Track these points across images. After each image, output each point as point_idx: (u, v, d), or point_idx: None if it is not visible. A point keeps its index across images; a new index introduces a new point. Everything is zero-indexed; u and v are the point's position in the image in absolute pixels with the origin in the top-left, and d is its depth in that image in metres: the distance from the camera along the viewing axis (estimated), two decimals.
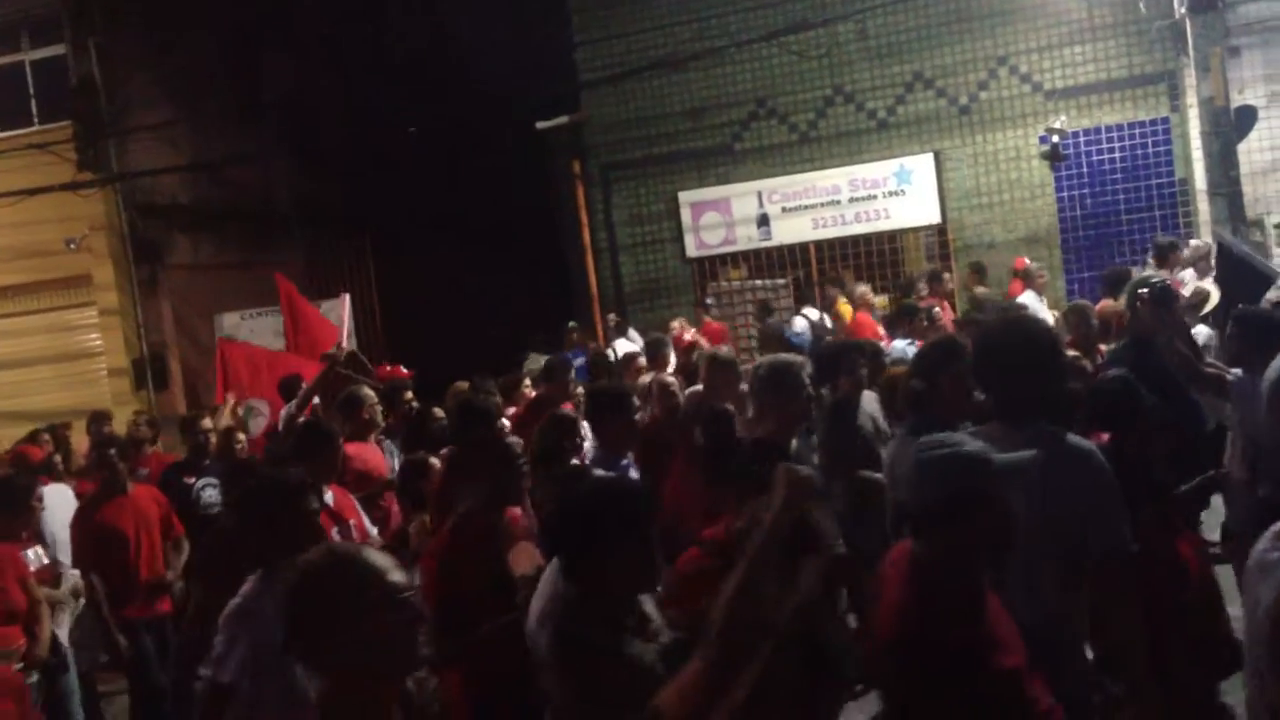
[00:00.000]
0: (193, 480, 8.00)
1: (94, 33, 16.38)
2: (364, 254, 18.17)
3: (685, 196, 15.81)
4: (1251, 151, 13.41)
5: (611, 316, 15.13)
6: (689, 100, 15.65)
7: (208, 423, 9.10)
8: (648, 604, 3.32)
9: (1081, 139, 14.11)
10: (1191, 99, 13.34)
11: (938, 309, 13.13)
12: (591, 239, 16.35)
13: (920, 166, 14.80)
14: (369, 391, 8.14)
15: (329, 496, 5.92)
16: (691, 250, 15.94)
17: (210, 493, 7.64)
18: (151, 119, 16.25)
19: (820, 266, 15.47)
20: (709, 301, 15.31)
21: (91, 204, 16.03)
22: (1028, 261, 13.15)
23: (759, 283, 15.79)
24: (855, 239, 15.18)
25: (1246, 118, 13.35)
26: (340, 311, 10.71)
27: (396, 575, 2.55)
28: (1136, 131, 13.92)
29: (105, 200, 16.27)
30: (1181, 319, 8.10)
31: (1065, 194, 14.26)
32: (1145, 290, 7.14)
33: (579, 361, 10.76)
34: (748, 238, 15.63)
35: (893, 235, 15.15)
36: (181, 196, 17.23)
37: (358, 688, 2.48)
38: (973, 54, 14.48)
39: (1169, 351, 7.09)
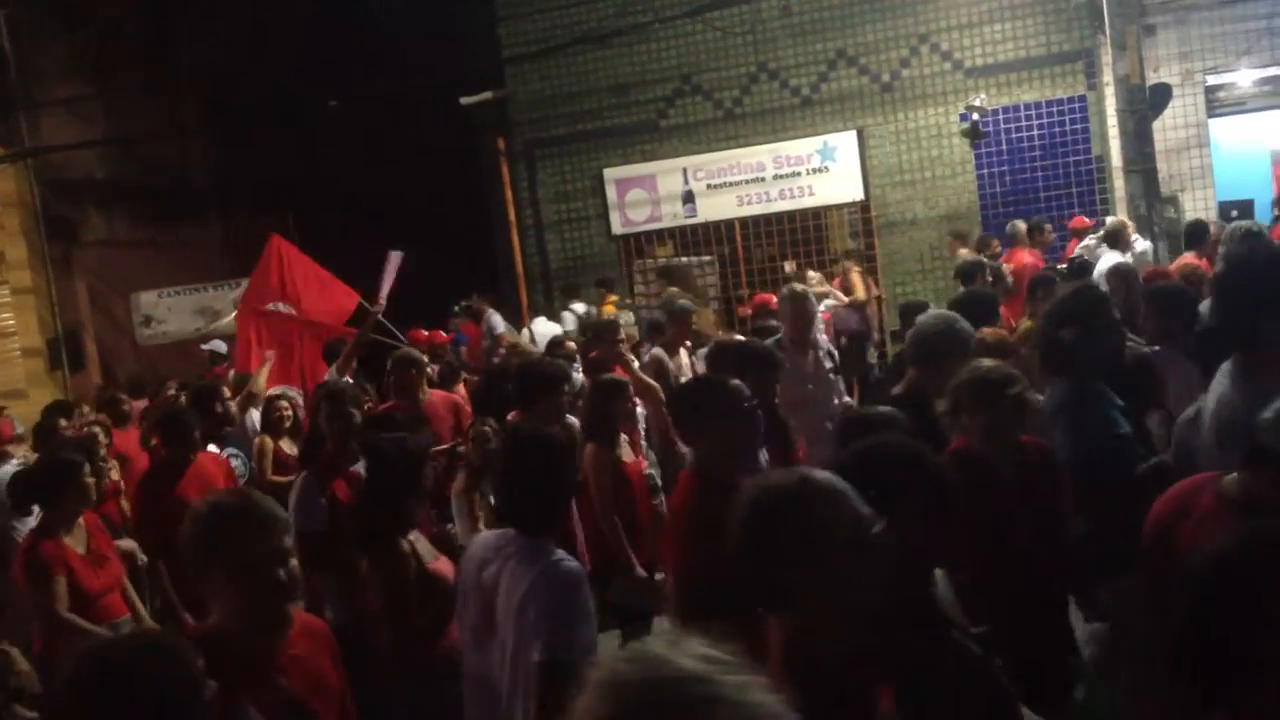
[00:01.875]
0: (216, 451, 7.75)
1: (3, 4, 15.98)
2: (284, 231, 17.87)
3: (610, 173, 15.76)
4: (1166, 129, 13.67)
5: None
6: (614, 77, 15.59)
7: (227, 391, 8.92)
8: None
9: (1001, 116, 14.25)
10: (1108, 77, 13.52)
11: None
12: (517, 216, 16.26)
13: (843, 144, 14.87)
14: (419, 354, 8.37)
15: (360, 465, 5.75)
16: (617, 227, 15.90)
17: (237, 464, 7.52)
18: (64, 92, 15.93)
19: (745, 244, 15.51)
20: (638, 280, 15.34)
21: (2, 180, 15.65)
22: (1087, 220, 13.10)
23: (684, 260, 15.79)
24: (780, 216, 15.22)
25: (1161, 95, 13.58)
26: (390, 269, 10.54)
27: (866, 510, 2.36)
28: (1054, 109, 14.09)
29: (16, 176, 15.91)
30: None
31: (985, 171, 14.40)
32: (1064, 266, 7.30)
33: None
34: (673, 215, 15.62)
35: (817, 212, 15.21)
36: (96, 172, 16.90)
37: (822, 630, 2.29)
38: (895, 32, 14.56)
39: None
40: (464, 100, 15.90)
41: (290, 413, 8.47)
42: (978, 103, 14.12)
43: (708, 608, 3.84)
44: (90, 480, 6.02)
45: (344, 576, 5.38)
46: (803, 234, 15.23)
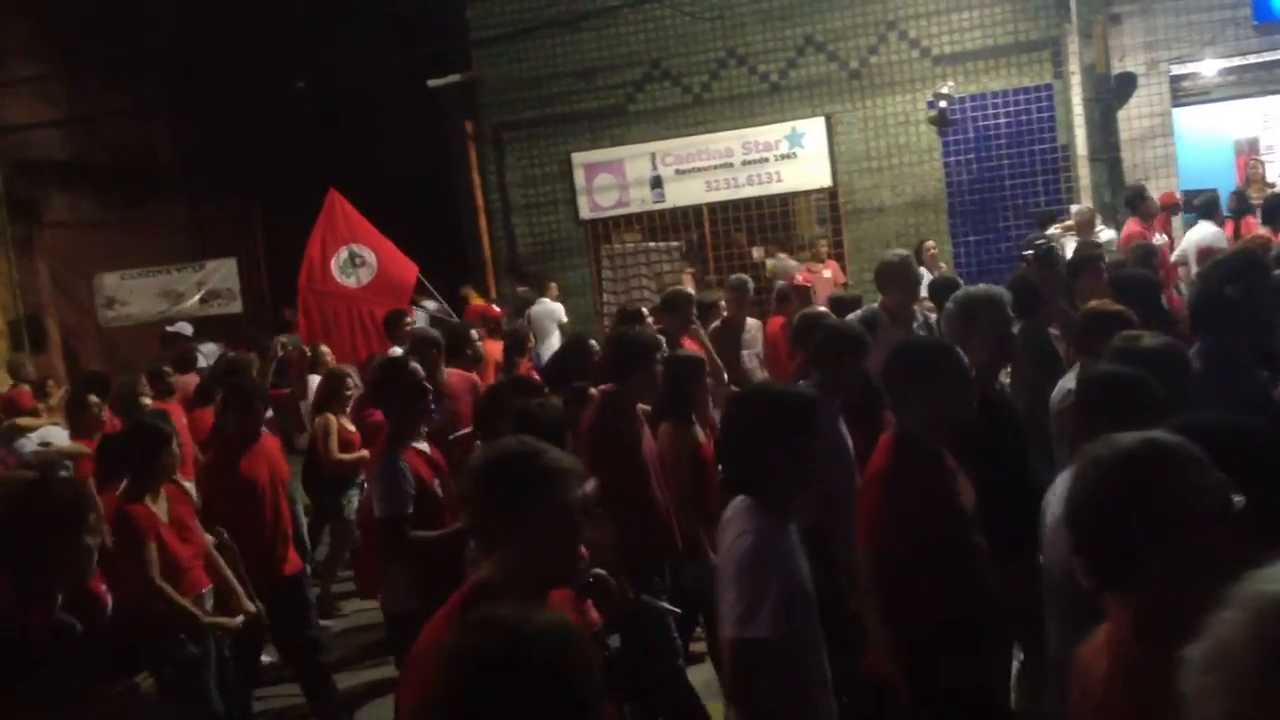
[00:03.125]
0: None
1: None
2: (251, 213, 17.80)
3: (579, 158, 15.72)
4: (1131, 118, 13.74)
5: (522, 290, 14.79)
6: (582, 61, 15.53)
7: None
8: None
9: (968, 104, 14.29)
10: (1074, 66, 13.59)
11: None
12: (484, 200, 16.19)
13: (812, 130, 14.89)
14: (437, 334, 8.15)
15: (424, 445, 5.57)
16: (585, 212, 15.87)
17: None
18: (26, 71, 15.72)
19: (713, 229, 15.51)
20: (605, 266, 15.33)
21: None
22: (1177, 194, 13.04)
23: (652, 245, 15.79)
24: (748, 201, 15.23)
25: (1126, 85, 13.66)
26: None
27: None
28: (1021, 98, 14.14)
29: None
30: (1065, 279, 8.30)
31: (952, 158, 14.45)
32: (1031, 251, 7.34)
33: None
34: (641, 200, 15.60)
35: (784, 198, 15.23)
36: (59, 152, 16.71)
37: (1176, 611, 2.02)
38: (863, 18, 14.57)
39: (1055, 310, 7.32)
40: (432, 83, 15.82)
41: (355, 391, 8.43)
42: (945, 90, 14.16)
43: (905, 576, 3.81)
44: (176, 451, 5.90)
45: (422, 562, 5.17)
46: (770, 220, 15.25)
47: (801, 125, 14.91)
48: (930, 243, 12.77)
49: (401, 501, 5.20)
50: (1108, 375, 3.60)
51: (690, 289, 12.80)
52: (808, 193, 15.32)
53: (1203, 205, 11.11)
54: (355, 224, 11.31)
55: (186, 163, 18.02)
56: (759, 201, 15.20)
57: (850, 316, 7.14)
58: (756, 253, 15.41)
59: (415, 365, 5.87)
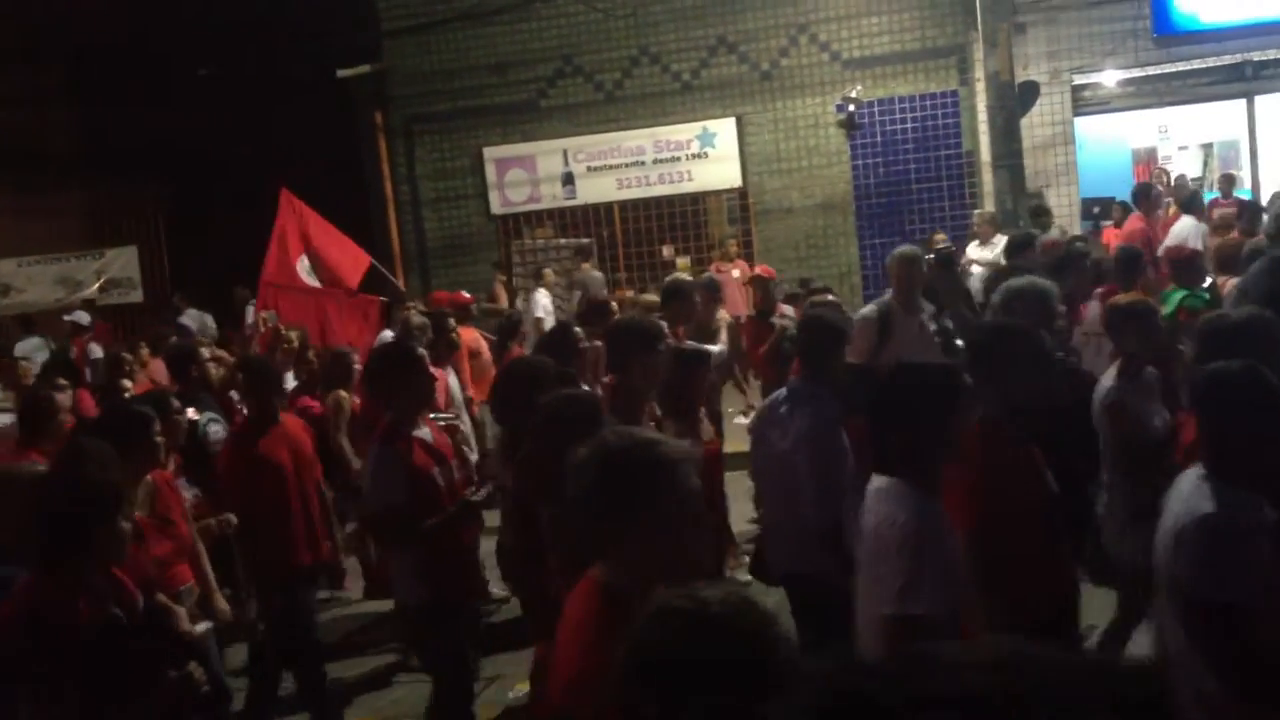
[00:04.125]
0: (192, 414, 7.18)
1: None
2: (153, 201, 17.41)
3: (490, 152, 15.63)
4: (1034, 126, 14.01)
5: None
6: (494, 54, 15.44)
7: (207, 353, 8.61)
8: None
9: (876, 108, 14.47)
10: (979, 73, 13.81)
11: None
12: (394, 193, 16.03)
13: (723, 130, 14.97)
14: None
15: (426, 432, 5.35)
16: (496, 207, 15.79)
17: (215, 428, 7.05)
18: None
19: (624, 227, 15.53)
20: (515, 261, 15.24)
21: None
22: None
23: (563, 242, 15.75)
24: (659, 200, 15.28)
25: (1030, 93, 13.92)
26: None
27: None
28: (927, 103, 14.35)
29: None
30: (962, 283, 8.46)
31: (860, 162, 14.61)
32: (931, 255, 7.47)
33: None
34: (552, 196, 15.57)
35: (695, 197, 15.29)
36: None
37: None
38: (774, 20, 14.67)
39: (953, 314, 7.46)
40: (341, 73, 15.61)
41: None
42: (854, 94, 14.32)
43: (1005, 561, 3.72)
44: (160, 439, 5.45)
45: (427, 552, 5.04)
46: (681, 219, 15.31)
47: (713, 125, 14.98)
48: (940, 235, 12.60)
49: (394, 490, 5.04)
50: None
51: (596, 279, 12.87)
52: (718, 192, 15.39)
53: (1185, 202, 11.60)
54: (308, 221, 11.16)
55: (87, 149, 17.58)
56: (670, 200, 15.25)
57: (866, 309, 7.16)
58: (666, 250, 15.45)
59: (424, 352, 5.72)
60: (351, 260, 11.27)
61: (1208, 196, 14.51)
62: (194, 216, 17.23)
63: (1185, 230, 10.76)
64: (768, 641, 1.98)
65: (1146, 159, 16.47)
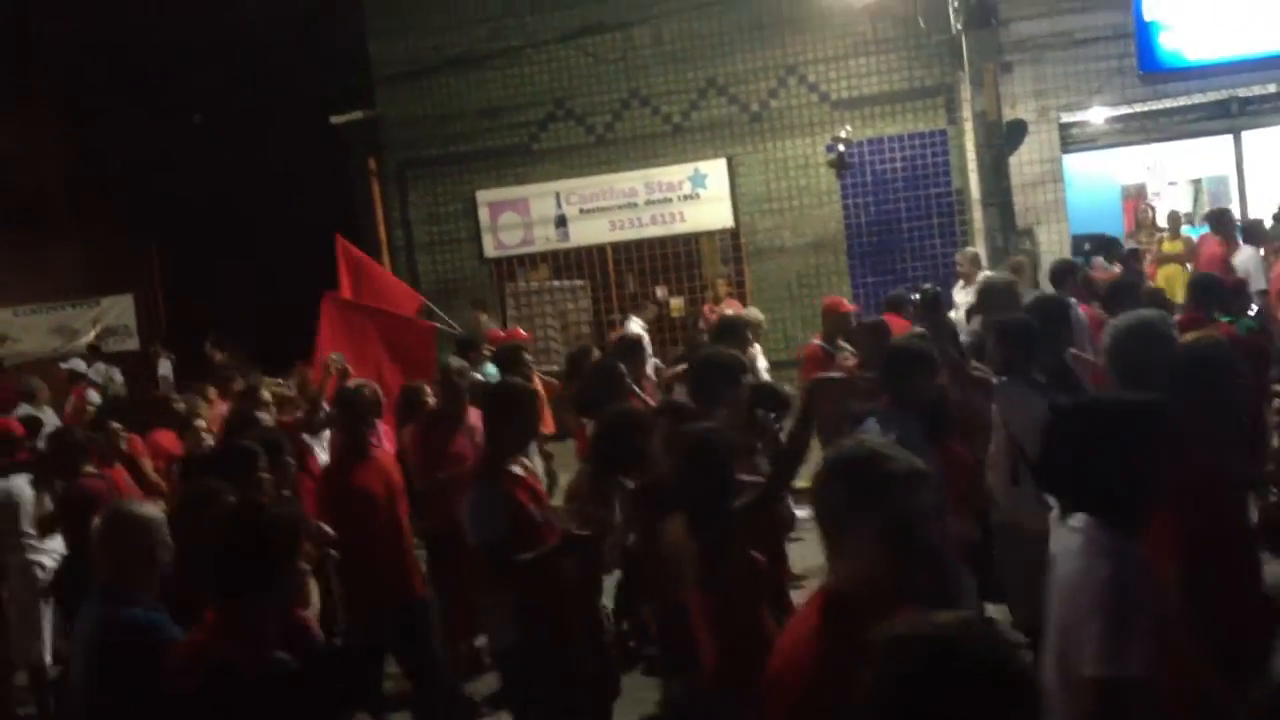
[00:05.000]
0: None
1: None
2: (149, 250, 17.51)
3: (483, 196, 15.73)
4: (1022, 164, 14.08)
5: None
6: (486, 99, 15.56)
7: (267, 394, 8.64)
8: None
9: (865, 148, 14.56)
10: (967, 112, 13.91)
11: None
12: (388, 237, 16.12)
13: (714, 171, 15.06)
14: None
15: (520, 469, 5.28)
16: (489, 250, 15.86)
17: None
18: None
19: (617, 268, 15.59)
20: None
21: None
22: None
23: (556, 284, 15.83)
24: (652, 241, 15.34)
25: (1017, 131, 14.00)
26: None
27: None
28: (916, 142, 14.45)
29: None
30: (949, 323, 8.50)
31: (850, 201, 14.69)
32: (917, 296, 7.54)
33: None
34: (545, 238, 15.64)
35: (688, 238, 15.37)
36: None
37: None
38: (763, 62, 14.80)
39: (942, 354, 7.50)
40: (335, 119, 15.75)
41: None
42: (843, 134, 14.41)
43: (1215, 605, 3.47)
44: (265, 475, 5.48)
45: (525, 592, 4.98)
46: (674, 260, 15.37)
47: (704, 166, 15.08)
48: (1022, 258, 12.31)
49: (495, 527, 4.97)
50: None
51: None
52: (710, 233, 15.46)
53: (1246, 230, 11.98)
54: (362, 265, 11.24)
55: (82, 197, 17.69)
56: (663, 241, 15.32)
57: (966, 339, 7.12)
58: (659, 291, 15.51)
59: (535, 389, 5.70)
60: (405, 297, 11.34)
61: (1197, 231, 14.58)
62: (190, 263, 17.30)
63: (1246, 260, 10.96)
64: (1016, 674, 1.94)
65: (1136, 195, 16.56)
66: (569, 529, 5.06)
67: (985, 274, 11.64)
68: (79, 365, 14.62)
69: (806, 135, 14.77)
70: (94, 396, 14.14)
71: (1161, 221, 15.31)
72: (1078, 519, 3.23)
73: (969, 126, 13.90)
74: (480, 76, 15.47)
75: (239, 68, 17.19)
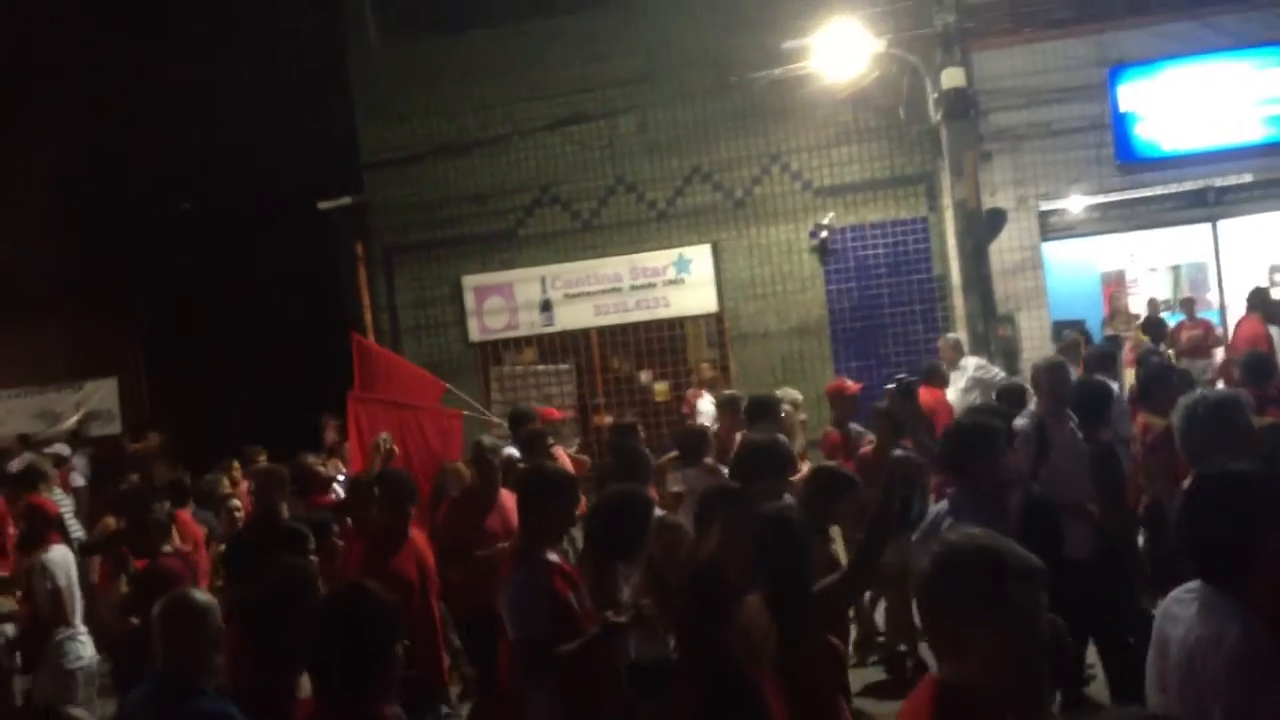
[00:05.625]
0: None
1: None
2: (134, 335, 17.51)
3: (469, 280, 15.82)
4: (1002, 251, 14.26)
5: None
6: (473, 185, 15.72)
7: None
8: None
9: (848, 235, 14.73)
10: (948, 200, 14.11)
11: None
12: (374, 321, 16.17)
13: (698, 256, 15.19)
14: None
15: (555, 557, 5.20)
16: (475, 334, 15.92)
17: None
18: None
19: (602, 352, 15.65)
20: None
21: None
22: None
23: (541, 367, 15.86)
24: (636, 326, 15.43)
25: (997, 219, 14.20)
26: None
27: None
28: (898, 229, 14.63)
29: None
30: (922, 411, 8.54)
31: (834, 286, 14.82)
32: (893, 385, 7.62)
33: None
34: (531, 323, 15.71)
35: (672, 323, 15.45)
36: None
37: None
38: (747, 151, 15.01)
39: (914, 441, 7.61)
40: (322, 205, 15.88)
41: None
42: (826, 221, 14.59)
43: None
44: (314, 558, 5.45)
45: (567, 686, 4.83)
46: (659, 344, 15.45)
47: (688, 252, 15.22)
48: (1075, 335, 12.46)
49: (537, 620, 4.81)
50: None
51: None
52: (695, 318, 15.55)
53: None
54: (381, 359, 11.24)
55: (67, 281, 17.72)
56: (647, 326, 15.41)
57: (1019, 422, 7.07)
58: (643, 376, 15.56)
59: (574, 476, 5.60)
60: (429, 385, 11.32)
61: (1173, 319, 14.75)
62: (174, 347, 17.31)
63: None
64: None
65: (1115, 281, 16.75)
66: (607, 617, 4.92)
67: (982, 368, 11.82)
68: (62, 450, 14.55)
69: (790, 221, 14.94)
70: (78, 479, 14.09)
71: (1136, 308, 15.52)
72: (1190, 589, 3.22)
73: (949, 214, 14.09)
74: (468, 163, 15.64)
75: (228, 154, 17.35)
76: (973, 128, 13.87)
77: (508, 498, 7.26)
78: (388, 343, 16.06)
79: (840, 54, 13.46)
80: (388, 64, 15.79)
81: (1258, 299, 12.81)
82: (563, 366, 15.88)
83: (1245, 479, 3.33)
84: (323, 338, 17.34)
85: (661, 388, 15.47)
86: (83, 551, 9.12)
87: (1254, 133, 13.86)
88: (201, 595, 4.24)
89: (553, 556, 5.14)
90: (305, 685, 4.25)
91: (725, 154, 15.08)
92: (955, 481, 5.49)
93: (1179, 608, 3.23)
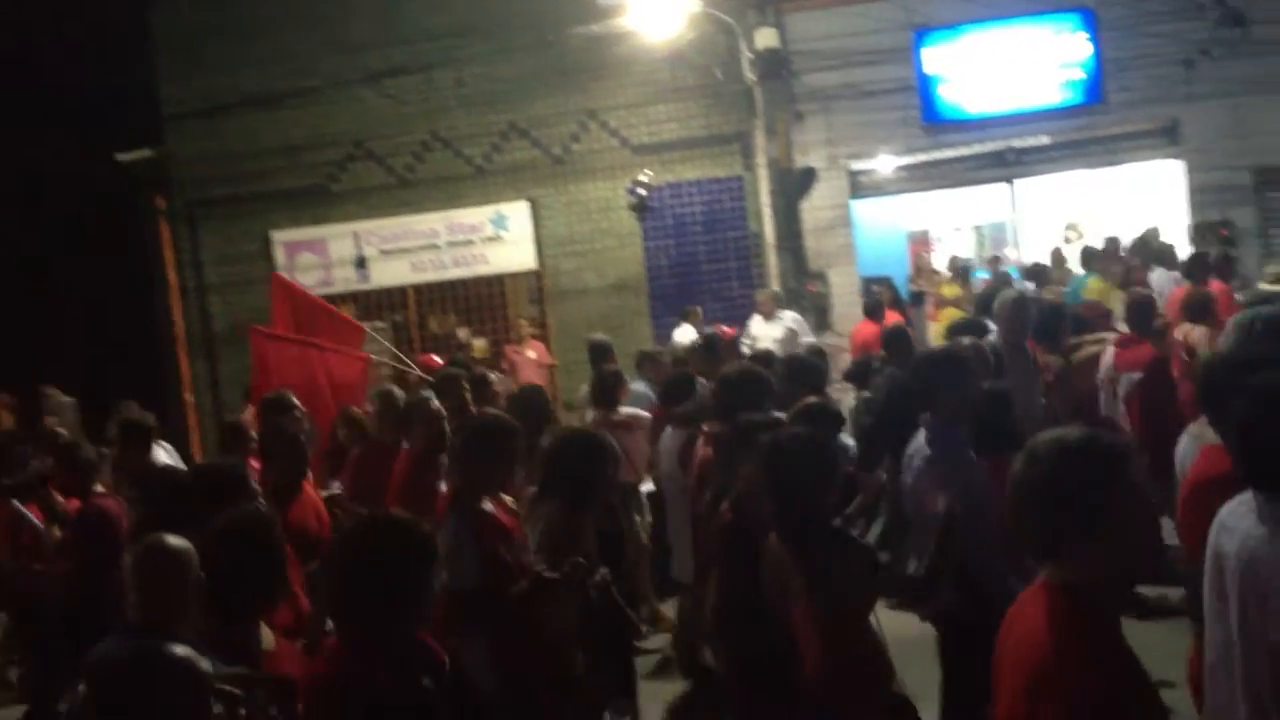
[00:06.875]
0: None
1: None
2: None
3: (279, 236, 15.36)
4: (814, 209, 14.62)
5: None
6: (283, 139, 15.20)
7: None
8: None
9: (666, 193, 14.84)
10: (762, 159, 14.36)
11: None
12: (178, 278, 15.57)
13: (516, 213, 15.10)
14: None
15: (490, 506, 5.00)
16: None
17: None
18: None
19: (420, 309, 15.45)
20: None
21: None
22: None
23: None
24: (454, 283, 15.26)
25: (809, 178, 14.54)
26: None
27: None
28: (714, 188, 14.81)
29: None
30: (720, 362, 8.78)
31: (651, 243, 14.94)
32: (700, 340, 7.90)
33: None
34: (345, 280, 15.37)
35: (491, 280, 15.34)
36: None
37: None
38: (565, 107, 14.94)
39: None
40: (121, 157, 15.16)
41: None
42: (644, 179, 14.66)
43: None
44: None
45: (501, 638, 4.70)
46: (478, 301, 15.33)
47: (506, 209, 15.11)
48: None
49: (470, 572, 4.69)
50: None
51: None
52: (514, 275, 15.47)
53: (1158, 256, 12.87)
54: (301, 300, 10.73)
55: None
56: (465, 283, 15.26)
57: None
58: (462, 333, 15.42)
59: (517, 426, 5.37)
60: (349, 329, 10.89)
61: (978, 275, 15.35)
62: None
63: (1161, 282, 11.77)
64: None
65: (920, 240, 17.35)
66: (539, 572, 4.79)
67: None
68: None
69: (608, 179, 14.96)
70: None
71: (939, 266, 16.10)
72: (1244, 500, 3.25)
73: (763, 173, 14.35)
74: (276, 116, 15.10)
75: (22, 106, 16.42)
76: (786, 88, 14.15)
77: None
78: (193, 300, 15.54)
79: (656, 12, 13.48)
80: (193, 13, 15.11)
81: (1143, 246, 13.30)
82: (379, 324, 15.56)
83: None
84: (125, 293, 16.65)
85: (480, 344, 15.35)
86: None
87: (1051, 96, 14.49)
88: (175, 541, 3.94)
89: (488, 506, 5.00)
90: (268, 636, 4.14)
91: (543, 110, 14.98)
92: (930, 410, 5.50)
93: (1234, 520, 3.26)
